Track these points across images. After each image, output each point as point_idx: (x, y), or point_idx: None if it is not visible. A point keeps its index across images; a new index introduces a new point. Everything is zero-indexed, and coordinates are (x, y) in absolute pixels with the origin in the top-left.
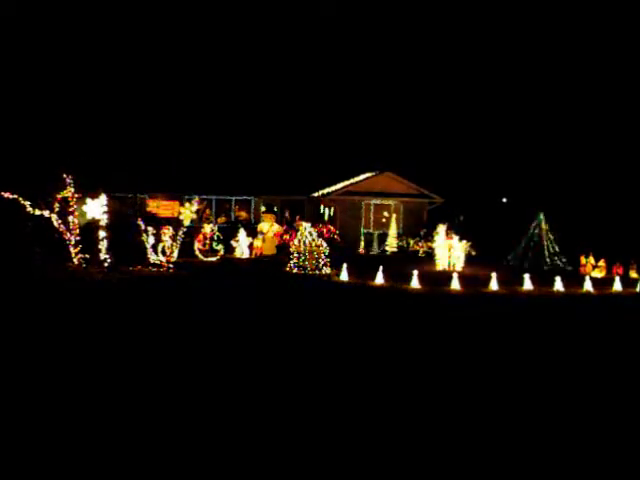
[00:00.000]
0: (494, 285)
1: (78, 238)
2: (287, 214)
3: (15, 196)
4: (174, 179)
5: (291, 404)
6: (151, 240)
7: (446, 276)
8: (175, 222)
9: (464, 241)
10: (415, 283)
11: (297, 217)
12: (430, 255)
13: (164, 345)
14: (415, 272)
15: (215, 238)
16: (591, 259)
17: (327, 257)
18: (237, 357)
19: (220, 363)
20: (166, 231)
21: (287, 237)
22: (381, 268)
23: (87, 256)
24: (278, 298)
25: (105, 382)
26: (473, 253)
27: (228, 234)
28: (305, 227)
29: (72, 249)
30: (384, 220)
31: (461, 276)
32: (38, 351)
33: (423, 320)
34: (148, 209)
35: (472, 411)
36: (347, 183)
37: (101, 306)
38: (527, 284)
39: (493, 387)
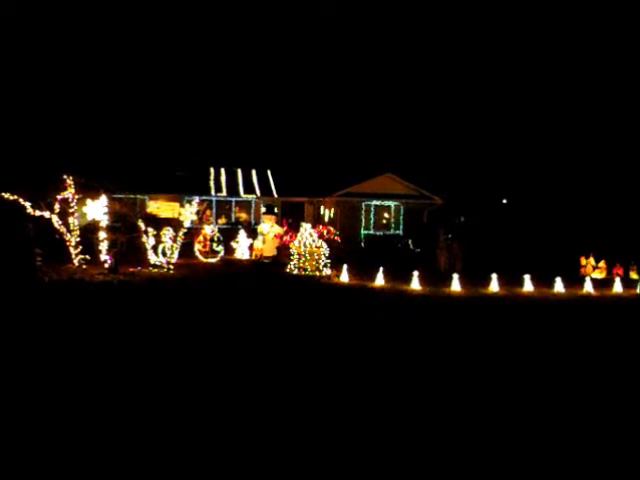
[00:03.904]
0: (494, 286)
1: (78, 239)
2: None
3: (15, 197)
4: (175, 180)
5: (287, 400)
6: (151, 241)
7: (446, 277)
8: (175, 223)
9: (464, 242)
10: (415, 284)
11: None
12: (431, 256)
13: (164, 347)
14: (415, 273)
15: (215, 239)
16: (591, 260)
17: (327, 258)
18: (234, 357)
19: (218, 363)
20: (166, 232)
21: (287, 238)
22: (381, 269)
23: (87, 257)
24: (277, 300)
25: (105, 383)
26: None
27: (228, 235)
28: (305, 228)
29: (72, 250)
30: (384, 221)
31: (461, 277)
32: (37, 353)
33: (419, 320)
34: (148, 210)
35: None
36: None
37: (101, 307)
38: (527, 285)
39: (488, 389)
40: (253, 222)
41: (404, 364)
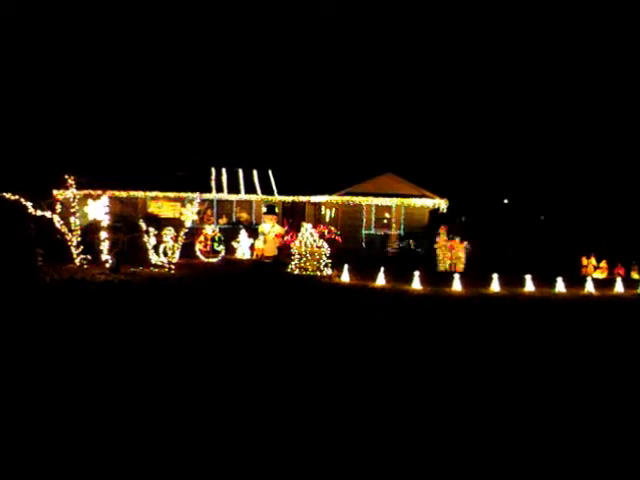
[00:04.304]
0: (495, 286)
1: (80, 239)
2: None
3: (17, 197)
4: (176, 179)
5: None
6: (152, 241)
7: (447, 277)
8: (176, 223)
9: (465, 242)
10: (416, 284)
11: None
12: (432, 256)
13: (165, 346)
14: (417, 273)
15: (216, 239)
16: (592, 260)
17: (328, 258)
18: (235, 356)
19: (218, 363)
20: (167, 232)
21: (288, 238)
22: (382, 269)
23: (89, 257)
24: (278, 299)
25: (106, 383)
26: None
27: (229, 235)
28: (306, 228)
29: (74, 250)
30: (385, 221)
31: (462, 277)
32: (39, 352)
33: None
34: (150, 210)
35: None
36: (348, 184)
37: (102, 307)
38: (528, 285)
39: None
40: (254, 222)
41: (404, 364)
